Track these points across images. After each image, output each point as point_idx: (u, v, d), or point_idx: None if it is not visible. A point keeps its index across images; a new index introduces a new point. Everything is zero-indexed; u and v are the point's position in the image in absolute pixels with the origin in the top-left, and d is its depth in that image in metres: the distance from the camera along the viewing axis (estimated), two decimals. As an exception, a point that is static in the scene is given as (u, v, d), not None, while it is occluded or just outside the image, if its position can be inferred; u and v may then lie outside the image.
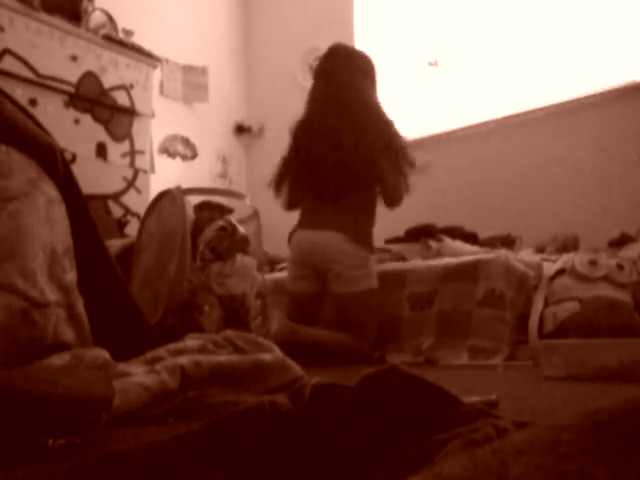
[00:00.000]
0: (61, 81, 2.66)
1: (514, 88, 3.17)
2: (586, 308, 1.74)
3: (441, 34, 3.53)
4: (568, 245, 2.45)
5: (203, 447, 0.48)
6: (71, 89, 2.70)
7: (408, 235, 2.60)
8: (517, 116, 3.11)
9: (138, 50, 3.02)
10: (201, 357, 0.95)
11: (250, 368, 0.98)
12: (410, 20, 3.67)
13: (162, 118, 3.61)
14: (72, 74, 2.71)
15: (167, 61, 3.86)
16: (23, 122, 1.09)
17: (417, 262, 2.29)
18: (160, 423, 0.81)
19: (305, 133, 2.23)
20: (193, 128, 4.03)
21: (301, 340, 1.95)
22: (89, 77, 2.78)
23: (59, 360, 0.90)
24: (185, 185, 1.77)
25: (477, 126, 3.25)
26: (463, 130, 3.30)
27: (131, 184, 2.92)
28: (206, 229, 1.63)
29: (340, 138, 2.12)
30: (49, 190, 1.07)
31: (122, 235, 2.76)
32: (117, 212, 2.84)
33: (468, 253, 2.26)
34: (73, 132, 2.68)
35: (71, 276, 1.05)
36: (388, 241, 2.67)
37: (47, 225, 1.02)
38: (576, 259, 1.92)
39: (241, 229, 1.70)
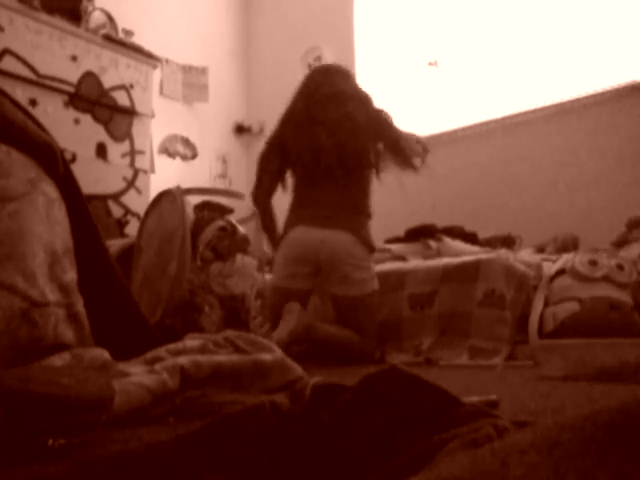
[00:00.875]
0: (61, 81, 2.66)
1: (514, 88, 3.17)
2: (586, 308, 1.74)
3: (441, 34, 3.53)
4: (568, 245, 2.45)
5: (203, 447, 0.48)
6: (71, 89, 2.70)
7: (408, 235, 2.59)
8: (517, 116, 3.11)
9: (138, 50, 3.02)
10: (201, 357, 0.95)
11: (250, 368, 0.98)
12: (410, 20, 3.67)
13: (162, 118, 3.61)
14: (72, 74, 2.71)
15: (167, 61, 3.86)
16: (23, 122, 1.09)
17: (417, 262, 2.29)
18: (160, 423, 0.81)
19: (296, 123, 2.19)
20: (193, 128, 4.03)
21: (319, 337, 1.96)
22: (89, 77, 2.78)
23: (59, 360, 0.90)
24: (185, 185, 1.77)
25: (477, 126, 3.25)
26: (463, 130, 3.30)
27: (131, 184, 2.92)
28: (206, 229, 1.63)
29: (334, 124, 2.11)
30: (49, 190, 1.07)
31: (122, 235, 2.76)
32: (117, 212, 2.84)
33: (468, 253, 2.26)
34: (73, 132, 2.68)
35: (71, 276, 1.05)
36: (388, 241, 2.67)
37: (47, 225, 1.02)
38: (576, 259, 1.92)
39: (241, 229, 1.70)
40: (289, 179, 2.23)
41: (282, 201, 2.24)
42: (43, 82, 2.59)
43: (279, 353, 1.07)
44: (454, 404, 0.52)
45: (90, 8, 2.93)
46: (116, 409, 0.74)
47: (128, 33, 3.18)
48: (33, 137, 1.09)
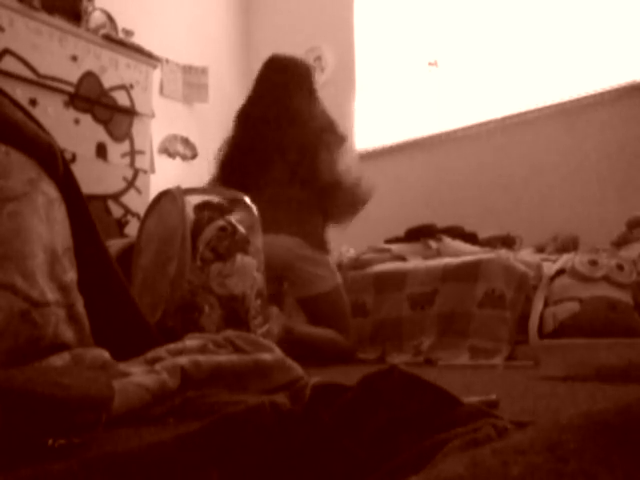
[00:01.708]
0: (61, 81, 2.66)
1: (514, 88, 3.17)
2: (586, 308, 1.74)
3: (441, 34, 3.53)
4: (568, 245, 2.45)
5: (203, 447, 0.48)
6: (71, 89, 2.70)
7: (408, 235, 2.60)
8: (517, 116, 3.11)
9: (138, 50, 3.02)
10: (201, 357, 0.95)
11: (250, 368, 0.98)
12: (410, 20, 3.67)
13: (162, 118, 3.61)
14: (72, 74, 2.71)
15: (167, 61, 3.86)
16: (23, 122, 1.09)
17: (417, 262, 2.29)
18: (160, 423, 0.81)
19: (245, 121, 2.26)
20: (193, 128, 4.03)
21: (297, 338, 1.96)
22: (89, 77, 2.78)
23: (59, 360, 0.90)
24: (185, 185, 1.76)
25: (477, 126, 3.25)
26: (463, 130, 3.30)
27: (131, 184, 2.92)
28: (206, 229, 1.63)
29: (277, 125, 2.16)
30: (49, 190, 1.07)
31: (122, 235, 2.76)
32: (117, 212, 2.84)
33: (468, 253, 2.26)
34: (73, 132, 2.68)
35: (71, 276, 1.05)
36: (388, 241, 2.67)
37: (47, 225, 1.02)
38: (576, 259, 1.92)
39: (241, 229, 1.70)
40: None
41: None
42: (43, 82, 2.59)
43: (279, 353, 1.07)
44: (454, 404, 0.52)
45: (90, 8, 2.93)
46: (116, 409, 0.74)
47: (128, 33, 3.18)
48: (33, 137, 1.09)
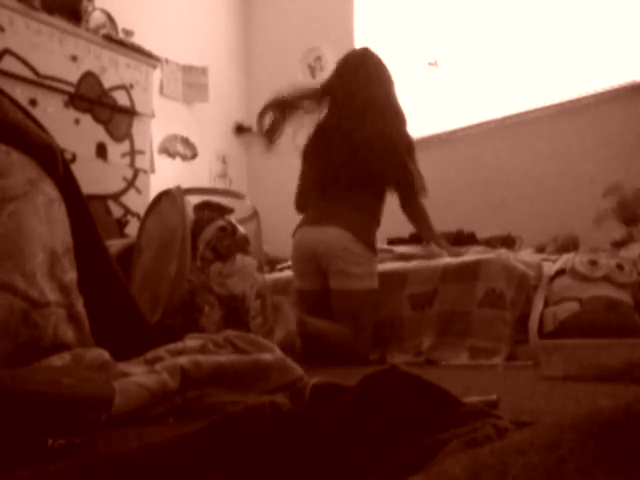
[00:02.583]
0: (61, 81, 2.66)
1: (514, 88, 3.17)
2: (586, 308, 1.74)
3: (441, 34, 3.53)
4: (568, 245, 2.45)
5: (203, 447, 0.48)
6: (71, 89, 2.70)
7: (412, 239, 2.61)
8: (517, 116, 3.11)
9: (138, 50, 3.02)
10: (201, 357, 0.95)
11: (250, 368, 0.98)
12: (410, 20, 3.67)
13: (162, 118, 3.61)
14: (72, 74, 2.71)
15: (167, 61, 3.86)
16: (23, 122, 1.09)
17: (418, 262, 2.29)
18: (160, 423, 0.81)
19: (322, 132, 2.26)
20: (193, 128, 4.03)
21: (309, 331, 1.97)
22: (89, 77, 2.78)
23: (59, 360, 0.90)
24: (185, 185, 1.76)
25: (477, 126, 3.25)
26: (463, 130, 3.30)
27: (131, 184, 2.92)
28: (206, 229, 1.63)
29: (355, 130, 2.15)
30: (49, 190, 1.07)
31: (122, 235, 2.76)
32: (117, 212, 2.84)
33: (468, 253, 2.26)
34: (73, 132, 2.68)
35: (71, 276, 1.05)
36: (391, 241, 2.67)
37: (47, 225, 1.02)
38: (576, 259, 1.92)
39: (241, 229, 1.70)
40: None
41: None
42: (43, 82, 2.59)
43: (279, 353, 1.07)
44: (454, 404, 0.52)
45: (90, 8, 2.93)
46: (116, 409, 0.74)
47: (128, 33, 3.18)
48: (33, 137, 1.09)
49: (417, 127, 3.50)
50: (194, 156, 4.03)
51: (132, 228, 2.74)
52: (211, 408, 0.87)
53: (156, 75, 3.39)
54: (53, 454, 0.59)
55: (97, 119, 2.81)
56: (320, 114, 2.29)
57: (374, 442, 0.49)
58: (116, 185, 2.86)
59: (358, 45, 3.86)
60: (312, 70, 3.98)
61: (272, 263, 2.90)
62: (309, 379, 0.88)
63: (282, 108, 2.26)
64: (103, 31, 2.94)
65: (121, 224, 2.85)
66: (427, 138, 3.42)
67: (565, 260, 1.99)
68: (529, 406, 0.92)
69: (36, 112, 2.27)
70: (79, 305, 1.04)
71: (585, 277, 1.83)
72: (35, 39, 2.58)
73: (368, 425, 0.51)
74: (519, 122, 3.10)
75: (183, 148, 3.95)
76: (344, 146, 2.14)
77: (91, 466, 0.44)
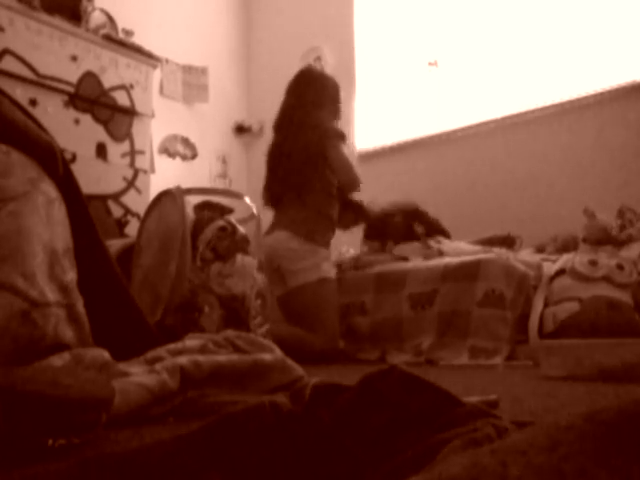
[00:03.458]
0: (61, 81, 2.66)
1: (514, 88, 3.17)
2: (586, 308, 1.74)
3: (441, 34, 3.53)
4: (568, 245, 2.45)
5: (203, 447, 0.48)
6: (71, 89, 2.70)
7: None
8: (517, 116, 3.11)
9: (138, 50, 3.01)
10: (201, 357, 0.95)
11: (250, 368, 0.98)
12: (410, 20, 3.67)
13: (162, 118, 3.61)
14: (72, 74, 2.71)
15: (167, 61, 3.86)
16: (23, 122, 1.09)
17: (417, 262, 2.29)
18: (160, 423, 0.81)
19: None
20: (193, 128, 4.03)
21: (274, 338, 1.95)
22: (89, 77, 2.78)
23: (59, 360, 0.90)
24: (185, 185, 1.76)
25: (477, 126, 3.25)
26: (463, 130, 3.30)
27: (131, 184, 2.92)
28: (206, 229, 1.63)
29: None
30: (49, 190, 1.07)
31: (122, 235, 2.76)
32: (117, 212, 2.84)
33: (468, 253, 2.26)
34: (73, 132, 2.68)
35: (71, 276, 1.05)
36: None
37: (47, 225, 1.02)
38: (576, 259, 1.92)
39: (241, 229, 1.70)
40: None
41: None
42: (43, 82, 2.59)
43: (279, 353, 1.07)
44: (454, 404, 0.52)
45: (90, 8, 2.93)
46: (116, 409, 0.74)
47: (128, 33, 3.18)
48: (33, 137, 1.09)
49: (417, 127, 3.51)
50: (194, 156, 4.02)
51: (132, 228, 2.74)
52: (211, 408, 0.87)
53: (156, 75, 3.39)
54: (53, 454, 0.59)
55: (97, 119, 2.80)
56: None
57: (374, 442, 0.49)
58: (116, 185, 2.85)
59: (358, 45, 3.87)
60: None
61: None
62: (309, 379, 0.88)
63: None
64: (103, 31, 2.94)
65: (121, 224, 2.85)
66: (427, 138, 3.42)
67: (565, 260, 1.99)
68: (529, 406, 0.92)
69: (36, 112, 2.27)
70: (79, 305, 1.04)
71: (585, 277, 1.83)
72: (35, 39, 2.58)
73: (368, 425, 0.51)
74: (519, 122, 3.10)
75: (183, 148, 3.95)
76: (282, 158, 2.31)
77: (91, 466, 0.44)
